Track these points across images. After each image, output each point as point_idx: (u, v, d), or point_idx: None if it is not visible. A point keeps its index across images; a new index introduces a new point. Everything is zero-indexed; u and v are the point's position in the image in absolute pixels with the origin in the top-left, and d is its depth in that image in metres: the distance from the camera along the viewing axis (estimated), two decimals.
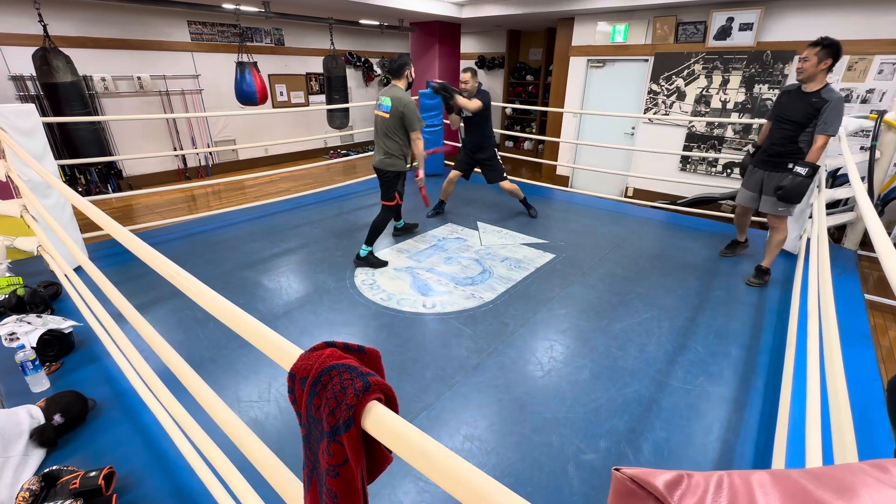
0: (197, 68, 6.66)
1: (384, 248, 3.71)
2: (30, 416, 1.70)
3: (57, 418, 1.73)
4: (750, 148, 3.21)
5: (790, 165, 2.80)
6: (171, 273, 0.99)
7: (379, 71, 9.54)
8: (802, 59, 2.63)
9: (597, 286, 3.11)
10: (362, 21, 7.18)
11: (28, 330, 2.15)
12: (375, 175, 3.45)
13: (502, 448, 1.80)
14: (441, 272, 3.30)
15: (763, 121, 3.26)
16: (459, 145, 4.32)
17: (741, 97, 5.18)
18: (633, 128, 6.16)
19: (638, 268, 3.40)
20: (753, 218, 3.57)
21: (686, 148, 5.68)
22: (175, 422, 1.56)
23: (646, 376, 2.21)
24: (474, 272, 3.31)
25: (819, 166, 2.74)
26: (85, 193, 5.66)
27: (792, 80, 4.80)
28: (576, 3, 5.68)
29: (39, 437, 1.65)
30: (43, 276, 2.96)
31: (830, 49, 2.53)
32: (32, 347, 2.05)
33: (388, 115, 3.19)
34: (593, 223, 4.42)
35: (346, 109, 7.05)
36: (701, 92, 5.43)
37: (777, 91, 4.93)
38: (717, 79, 5.29)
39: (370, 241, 3.37)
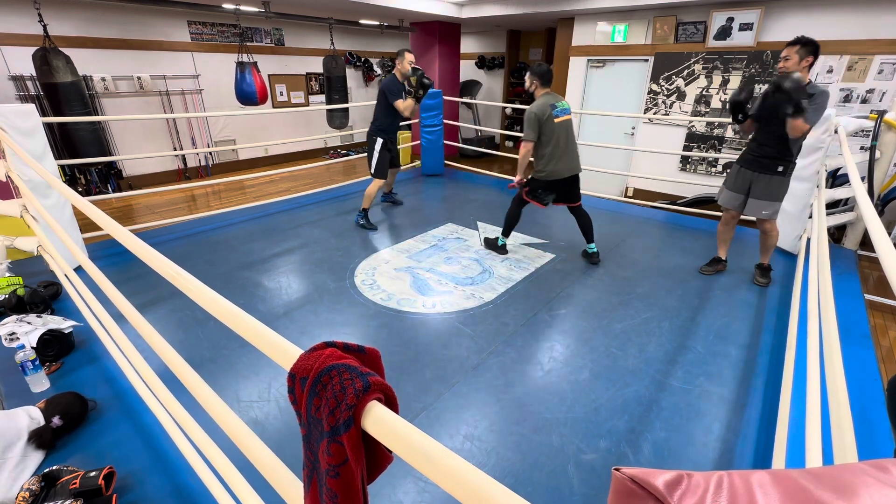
0: (197, 68, 6.66)
1: (385, 249, 3.72)
2: (29, 417, 1.70)
3: (55, 421, 1.73)
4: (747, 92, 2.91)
5: (780, 168, 2.79)
6: (171, 273, 0.99)
7: (379, 71, 9.54)
8: (783, 59, 2.64)
9: (597, 286, 3.11)
10: (362, 21, 7.18)
11: (28, 330, 2.15)
12: (566, 183, 3.29)
13: (502, 448, 1.80)
14: (441, 272, 3.30)
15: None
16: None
17: None
18: (633, 128, 6.16)
19: (638, 268, 3.40)
20: (743, 217, 3.50)
21: (686, 148, 5.68)
22: (175, 422, 1.56)
23: (646, 376, 2.21)
24: (474, 272, 3.31)
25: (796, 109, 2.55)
26: (85, 193, 5.66)
27: None
28: (576, 3, 5.69)
29: (37, 439, 1.65)
30: (43, 276, 2.96)
31: (810, 47, 2.55)
32: (32, 347, 2.05)
33: (571, 117, 3.23)
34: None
35: (346, 109, 7.05)
36: (701, 92, 5.43)
37: None
38: (717, 79, 5.29)
39: (592, 238, 3.48)
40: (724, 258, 3.32)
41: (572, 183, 3.33)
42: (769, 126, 2.79)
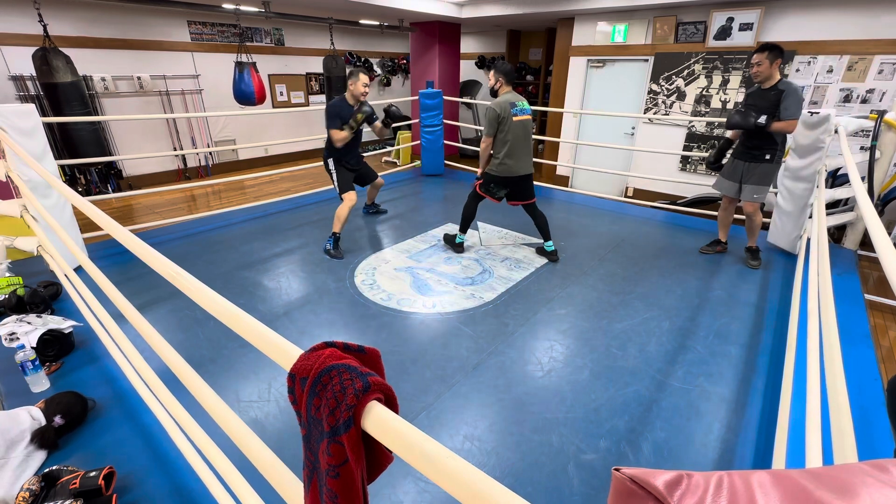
0: (197, 68, 6.66)
1: (385, 249, 3.72)
2: (31, 416, 1.70)
3: (57, 420, 1.73)
4: (715, 143, 3.43)
5: (767, 156, 3.14)
6: (171, 273, 0.99)
7: (379, 71, 9.54)
8: (756, 65, 2.98)
9: (597, 286, 3.11)
10: (362, 21, 7.18)
11: (28, 330, 2.15)
12: (519, 182, 3.39)
13: (502, 448, 1.80)
14: (441, 272, 3.30)
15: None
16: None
17: (741, 97, 5.18)
18: (633, 128, 6.16)
19: (638, 268, 3.40)
20: (736, 216, 3.62)
21: (686, 148, 5.68)
22: (175, 422, 1.56)
23: (646, 376, 2.21)
24: (474, 272, 3.31)
25: (772, 119, 2.99)
26: (85, 193, 5.66)
27: (793, 79, 4.80)
28: (576, 3, 5.68)
29: (40, 438, 1.66)
30: (43, 276, 2.96)
31: (776, 51, 2.93)
32: (32, 347, 2.05)
33: (530, 118, 3.34)
34: (593, 223, 4.42)
35: None
36: (701, 92, 5.43)
37: None
38: (717, 79, 5.28)
39: (549, 236, 3.53)
40: (724, 241, 3.67)
41: (525, 181, 3.42)
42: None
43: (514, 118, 3.20)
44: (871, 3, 4.34)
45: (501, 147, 3.26)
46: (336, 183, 3.68)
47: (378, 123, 3.66)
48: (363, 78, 3.40)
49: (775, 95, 3.00)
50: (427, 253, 3.64)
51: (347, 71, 3.56)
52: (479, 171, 3.46)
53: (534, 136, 6.27)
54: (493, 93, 3.30)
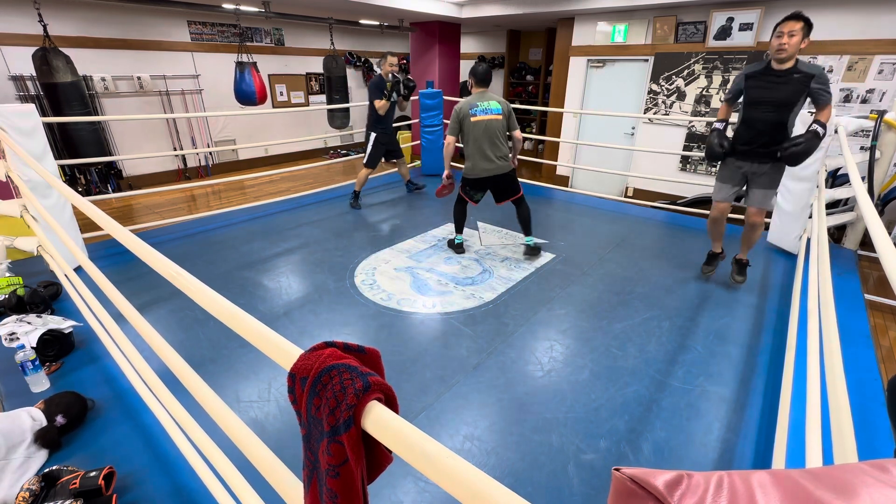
0: (197, 68, 6.66)
1: (385, 249, 3.72)
2: (31, 418, 1.70)
3: (59, 419, 1.73)
4: (717, 125, 2.85)
5: (779, 154, 2.59)
6: (171, 273, 0.99)
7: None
8: (788, 35, 2.37)
9: (597, 286, 3.11)
10: (362, 21, 7.19)
11: (28, 330, 2.15)
12: (478, 181, 3.35)
13: (502, 448, 1.80)
14: (441, 272, 3.30)
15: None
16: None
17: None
18: (633, 128, 6.16)
19: (638, 268, 3.40)
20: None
21: (686, 148, 5.68)
22: (175, 422, 1.56)
23: (646, 376, 2.21)
24: (474, 272, 3.31)
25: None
26: (85, 193, 5.66)
27: None
28: (576, 3, 5.69)
29: (43, 438, 1.66)
30: (43, 276, 2.96)
31: (811, 26, 2.40)
32: (32, 347, 2.05)
33: (501, 117, 3.25)
34: (593, 223, 4.42)
35: (347, 109, 7.05)
36: (701, 92, 5.43)
37: None
38: (717, 79, 5.29)
39: (529, 231, 3.51)
40: (719, 251, 3.15)
41: (496, 181, 3.35)
42: (761, 110, 2.60)
43: (473, 118, 3.19)
44: (871, 3, 4.34)
45: (465, 149, 3.33)
46: (367, 154, 4.55)
47: (401, 100, 4.48)
48: (391, 59, 4.33)
49: (801, 80, 2.43)
50: (427, 253, 3.64)
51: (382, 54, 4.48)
52: (445, 171, 3.52)
53: (533, 136, 6.30)
54: (469, 93, 3.42)
